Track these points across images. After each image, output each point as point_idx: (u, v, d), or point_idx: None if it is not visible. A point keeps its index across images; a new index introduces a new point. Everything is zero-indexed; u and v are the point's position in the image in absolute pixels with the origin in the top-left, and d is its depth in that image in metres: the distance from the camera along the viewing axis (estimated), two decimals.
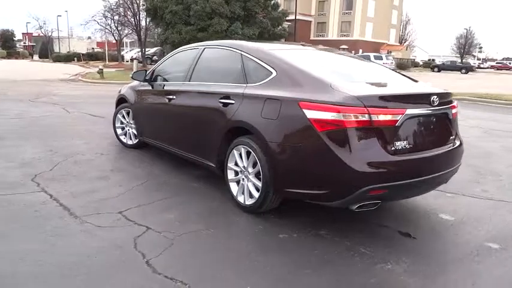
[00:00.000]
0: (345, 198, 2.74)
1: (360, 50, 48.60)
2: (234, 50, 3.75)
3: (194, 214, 3.37)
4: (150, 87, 4.87)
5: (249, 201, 3.34)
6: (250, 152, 3.26)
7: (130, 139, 5.53)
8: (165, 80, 4.79)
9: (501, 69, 61.56)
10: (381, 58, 30.54)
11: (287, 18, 21.88)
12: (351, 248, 2.85)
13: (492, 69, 62.42)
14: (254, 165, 3.28)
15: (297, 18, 28.78)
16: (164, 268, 2.50)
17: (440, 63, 48.27)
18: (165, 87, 4.57)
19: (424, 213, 3.52)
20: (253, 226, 3.16)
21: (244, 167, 3.38)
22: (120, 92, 5.76)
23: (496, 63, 70.89)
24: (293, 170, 2.94)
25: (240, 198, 3.44)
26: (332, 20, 55.22)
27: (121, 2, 29.90)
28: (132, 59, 38.15)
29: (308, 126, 2.79)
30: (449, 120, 3.21)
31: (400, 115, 2.77)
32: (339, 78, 3.05)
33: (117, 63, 33.90)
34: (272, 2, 21.79)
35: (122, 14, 30.71)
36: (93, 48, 54.47)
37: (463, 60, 61.11)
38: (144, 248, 2.76)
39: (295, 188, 2.97)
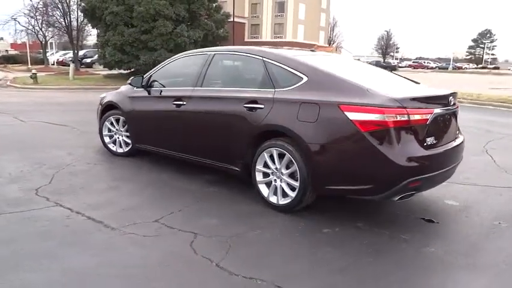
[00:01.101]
0: (388, 191, 3.01)
1: None
2: (255, 56, 3.86)
3: (232, 218, 3.44)
4: (148, 93, 4.80)
5: (284, 201, 3.49)
6: (284, 154, 3.42)
7: (121, 147, 5.37)
8: (165, 85, 4.75)
9: (417, 68, 67.16)
10: None
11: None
12: (392, 236, 3.13)
13: (410, 68, 67.74)
14: (288, 166, 3.44)
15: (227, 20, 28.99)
16: (238, 269, 2.58)
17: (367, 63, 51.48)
18: (170, 93, 4.53)
19: (433, 201, 3.92)
20: (295, 224, 3.32)
21: (276, 168, 3.52)
22: (104, 99, 5.56)
23: (413, 62, 77.18)
24: (335, 168, 3.16)
25: (273, 199, 3.57)
26: (265, 22, 56.43)
27: (48, 1, 28.00)
28: (58, 62, 35.71)
29: (351, 127, 3.02)
30: (456, 117, 3.63)
31: (430, 114, 3.11)
32: (369, 82, 3.32)
33: (43, 66, 31.57)
34: (214, 4, 21.83)
35: (50, 13, 28.74)
36: (6, 50, 49.91)
37: (385, 60, 65.69)
38: (206, 252, 2.80)
39: (337, 185, 3.19)
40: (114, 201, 3.77)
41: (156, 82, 4.81)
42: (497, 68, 79.37)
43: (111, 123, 5.41)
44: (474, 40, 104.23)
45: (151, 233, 3.09)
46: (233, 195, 3.97)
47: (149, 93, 4.80)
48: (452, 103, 3.39)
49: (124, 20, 18.98)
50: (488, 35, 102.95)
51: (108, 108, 5.45)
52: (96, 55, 34.29)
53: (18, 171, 4.63)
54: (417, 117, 3.02)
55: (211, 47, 18.09)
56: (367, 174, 3.05)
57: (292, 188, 3.44)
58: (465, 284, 2.55)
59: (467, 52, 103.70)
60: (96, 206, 3.64)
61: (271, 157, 3.55)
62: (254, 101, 3.62)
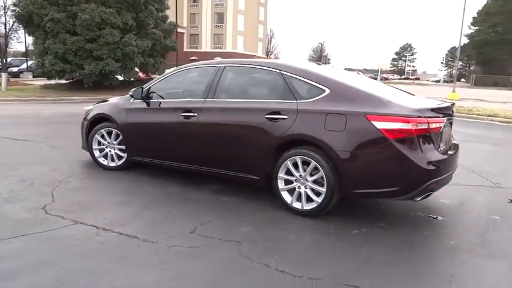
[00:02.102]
0: (413, 192, 3.33)
1: None
2: (271, 69, 4.04)
3: (263, 225, 3.55)
4: (148, 105, 4.76)
5: (309, 206, 3.68)
6: (309, 161, 3.62)
7: (113, 161, 5.22)
8: (167, 97, 4.74)
9: None
10: None
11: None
12: (414, 233, 3.46)
13: None
14: (312, 173, 3.64)
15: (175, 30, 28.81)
16: (298, 271, 2.72)
17: None
18: (176, 105, 4.54)
19: (431, 201, 4.32)
20: (325, 228, 3.51)
21: (300, 175, 3.70)
22: (91, 111, 5.38)
23: None
24: (364, 173, 3.42)
25: (296, 205, 3.75)
26: (205, 32, 56.56)
27: None
28: None
29: (379, 135, 3.31)
30: (451, 125, 4.09)
31: (442, 123, 3.51)
32: (383, 94, 3.65)
33: None
34: (161, 14, 21.54)
35: None
36: None
37: None
38: (259, 258, 2.89)
39: (365, 188, 3.46)
40: (136, 216, 3.71)
41: (157, 94, 4.77)
42: (418, 79, 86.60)
43: (102, 136, 5.24)
44: (397, 53, 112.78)
45: (196, 244, 3.12)
46: (251, 203, 4.07)
47: (148, 104, 4.76)
48: (453, 112, 3.83)
49: (66, 28, 18.06)
50: (409, 49, 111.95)
51: (97, 121, 5.27)
52: (24, 64, 32.01)
53: (8, 190, 4.33)
54: (434, 125, 3.40)
55: (159, 57, 17.83)
56: (394, 178, 3.35)
57: (317, 194, 3.64)
58: (492, 270, 2.90)
59: (391, 64, 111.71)
60: (119, 221, 3.55)
61: (295, 165, 3.73)
62: (277, 112, 3.78)
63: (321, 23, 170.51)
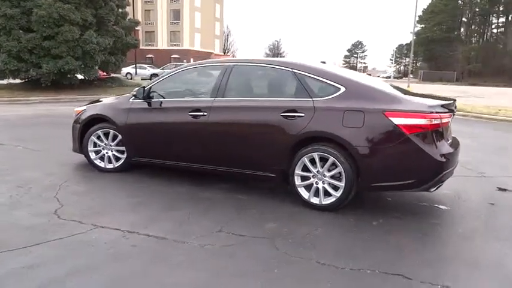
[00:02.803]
0: (429, 183, 3.55)
1: (191, 59, 50.26)
2: (283, 68, 4.11)
3: (286, 220, 3.63)
4: (149, 105, 4.67)
5: (327, 201, 3.80)
6: (327, 157, 3.74)
7: (110, 163, 5.08)
8: (170, 97, 4.69)
9: None
10: None
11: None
12: (426, 222, 3.69)
13: None
14: (330, 168, 3.77)
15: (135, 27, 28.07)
16: (339, 263, 2.83)
17: None
18: (183, 104, 4.50)
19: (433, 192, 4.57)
20: (345, 221, 3.65)
21: (318, 171, 3.82)
22: (85, 112, 5.20)
23: None
24: (382, 167, 3.59)
25: (314, 200, 3.86)
26: (161, 30, 55.36)
27: None
28: None
29: (397, 131, 3.49)
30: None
31: (449, 118, 3.75)
32: (397, 92, 3.84)
33: None
34: (120, 10, 20.85)
35: None
36: None
37: None
38: (296, 253, 2.98)
39: (383, 181, 3.63)
40: (156, 217, 3.66)
41: (158, 94, 4.70)
42: (370, 75, 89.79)
43: (98, 138, 5.08)
44: (349, 50, 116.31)
45: (227, 243, 3.15)
46: (266, 201, 4.13)
47: (151, 104, 4.68)
48: (456, 108, 4.09)
49: (20, 24, 17.06)
50: (359, 46, 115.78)
51: (92, 122, 5.11)
52: None
53: (6, 196, 4.12)
54: (444, 120, 3.63)
55: (120, 54, 17.30)
56: (412, 170, 3.55)
57: (335, 188, 3.77)
58: (503, 251, 3.16)
59: (343, 61, 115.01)
60: (141, 223, 3.49)
61: (312, 161, 3.84)
62: (293, 110, 3.87)
63: (277, 20, 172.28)
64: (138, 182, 4.69)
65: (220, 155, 4.29)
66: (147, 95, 4.69)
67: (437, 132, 3.57)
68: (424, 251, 3.12)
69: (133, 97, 4.82)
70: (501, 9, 68.11)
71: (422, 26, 74.63)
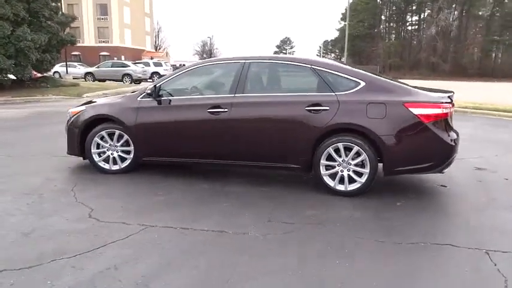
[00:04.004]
0: (443, 165, 4.02)
1: (123, 57, 48.32)
2: (302, 64, 4.36)
3: (322, 207, 3.89)
4: (161, 103, 4.66)
5: (352, 187, 4.13)
6: (352, 147, 4.06)
7: (116, 164, 4.96)
8: (183, 95, 4.72)
9: None
10: (160, 65, 31.59)
11: None
12: (440, 200, 4.21)
13: None
14: (353, 156, 4.09)
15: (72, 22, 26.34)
16: (390, 238, 3.16)
17: None
18: (200, 102, 4.55)
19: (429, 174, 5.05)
20: (373, 203, 3.99)
21: (343, 160, 4.13)
22: (84, 112, 5.00)
23: None
24: (404, 153, 3.99)
25: (340, 187, 4.17)
26: (87, 25, 52.28)
27: None
28: None
29: (416, 120, 3.91)
30: None
31: (453, 107, 4.26)
32: (409, 86, 4.26)
33: None
34: (54, 4, 19.43)
35: None
36: None
37: None
38: (354, 235, 3.26)
39: (405, 166, 4.04)
40: (198, 212, 3.72)
41: (171, 91, 4.70)
42: None
43: (102, 139, 4.92)
44: (278, 46, 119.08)
45: (286, 230, 3.33)
46: (290, 191, 4.34)
47: (162, 102, 4.66)
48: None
49: None
50: (288, 42, 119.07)
51: (94, 122, 4.94)
52: None
53: (22, 204, 3.90)
54: (451, 110, 4.13)
55: (55, 52, 16.34)
56: (429, 154, 3.99)
57: (359, 175, 4.11)
58: None
59: None
60: (187, 220, 3.53)
61: (336, 151, 4.13)
62: (317, 104, 4.13)
63: (208, 16, 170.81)
64: (153, 182, 4.64)
65: (244, 149, 4.41)
66: (158, 93, 4.66)
67: (447, 120, 4.05)
68: (453, 223, 3.58)
69: (142, 95, 4.76)
70: (414, 8, 74.25)
71: (346, 23, 78.69)
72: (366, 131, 4.01)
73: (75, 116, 5.07)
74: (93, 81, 26.96)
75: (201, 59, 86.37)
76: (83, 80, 27.32)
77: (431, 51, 65.24)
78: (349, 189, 4.14)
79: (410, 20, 77.39)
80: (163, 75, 30.40)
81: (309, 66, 4.33)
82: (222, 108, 4.39)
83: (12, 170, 5.09)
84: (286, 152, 4.28)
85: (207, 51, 77.91)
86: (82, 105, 5.31)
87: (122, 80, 26.49)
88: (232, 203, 3.99)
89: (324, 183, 4.22)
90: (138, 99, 4.78)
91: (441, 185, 4.66)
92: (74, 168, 5.24)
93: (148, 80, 28.92)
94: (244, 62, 4.51)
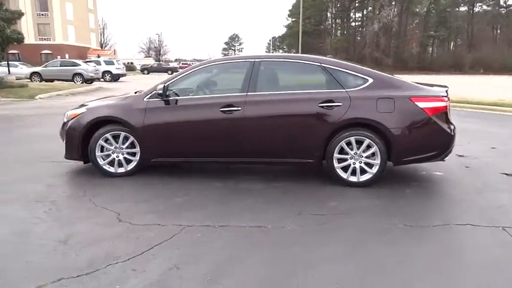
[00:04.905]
0: (445, 154, 4.39)
1: (67, 55, 46.02)
2: (311, 63, 4.55)
3: (343, 198, 4.11)
4: (169, 103, 4.65)
5: (364, 178, 4.39)
6: (363, 140, 4.32)
7: (121, 166, 4.87)
8: (186, 94, 4.76)
9: None
10: (112, 63, 30.41)
11: None
12: (441, 185, 4.59)
13: (180, 69, 72.01)
14: (365, 149, 4.35)
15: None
16: (416, 223, 3.45)
17: (149, 66, 52.11)
18: (211, 101, 4.59)
19: (422, 163, 5.44)
20: (385, 192, 4.28)
21: (355, 153, 4.37)
22: (83, 115, 4.85)
23: (182, 63, 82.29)
24: (412, 144, 4.30)
25: (352, 178, 4.41)
26: (25, 22, 48.92)
27: None
28: None
29: (421, 113, 4.23)
30: None
31: (449, 101, 4.64)
32: (411, 82, 4.58)
33: None
34: None
35: None
36: None
37: (160, 62, 67.67)
38: (384, 221, 3.51)
39: (412, 155, 4.35)
40: (226, 211, 3.78)
41: (179, 91, 4.71)
42: None
43: (106, 141, 4.81)
44: (226, 43, 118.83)
45: (320, 222, 3.51)
46: (303, 185, 4.52)
47: (169, 102, 4.65)
48: None
49: None
50: (236, 39, 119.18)
51: (98, 124, 4.81)
52: None
53: (39, 212, 3.77)
54: (449, 103, 4.50)
55: (0, 50, 15.33)
56: (434, 144, 4.34)
57: (370, 166, 4.38)
58: None
59: (222, 53, 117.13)
60: (219, 218, 3.59)
61: (348, 144, 4.37)
62: (330, 100, 4.33)
63: (155, 12, 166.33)
64: (166, 183, 4.60)
65: (258, 147, 4.52)
66: (165, 93, 4.64)
67: (446, 113, 4.42)
68: (462, 205, 3.95)
69: (149, 96, 4.71)
70: (357, 5, 77.31)
71: (294, 19, 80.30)
72: (377, 125, 4.27)
73: (74, 119, 4.89)
74: (40, 81, 25.45)
75: (146, 57, 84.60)
76: (28, 80, 25.69)
77: (375, 47, 68.35)
78: (361, 180, 4.40)
79: (354, 16, 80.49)
80: (116, 74, 29.54)
81: (319, 64, 4.52)
82: (235, 106, 4.46)
83: (7, 178, 4.83)
84: (301, 147, 4.45)
85: (153, 48, 76.00)
86: (80, 107, 5.14)
87: (72, 80, 25.22)
88: (255, 199, 4.09)
89: (337, 175, 4.44)
90: (145, 99, 4.72)
91: (437, 173, 5.06)
92: (72, 173, 5.07)
93: (101, 80, 27.84)
94: (254, 61, 4.61)
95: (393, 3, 70.83)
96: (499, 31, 70.80)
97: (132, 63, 64.82)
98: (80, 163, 5.28)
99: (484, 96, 15.03)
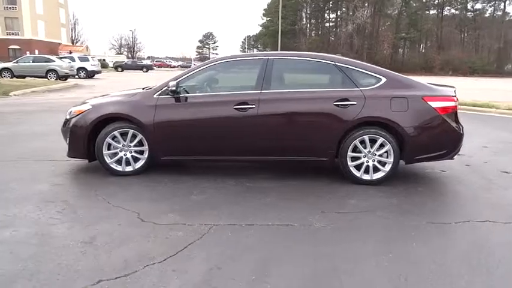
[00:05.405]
0: (455, 152, 4.51)
1: (36, 51, 44.45)
2: (325, 61, 4.58)
3: (362, 196, 4.15)
4: (180, 100, 4.58)
5: (377, 176, 4.45)
6: (376, 139, 4.38)
7: (129, 165, 4.75)
8: (204, 91, 4.69)
9: (162, 67, 71.45)
10: (87, 60, 29.54)
11: None
12: (448, 183, 4.71)
13: (155, 67, 71.03)
14: (379, 147, 4.42)
15: None
16: (438, 220, 3.53)
17: (123, 63, 50.95)
18: (225, 98, 4.54)
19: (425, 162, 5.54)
20: (399, 190, 4.36)
21: (369, 151, 4.43)
22: (89, 112, 4.70)
23: (156, 61, 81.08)
24: (424, 142, 4.38)
25: (366, 177, 4.47)
26: None
27: None
28: None
29: (433, 112, 4.33)
30: None
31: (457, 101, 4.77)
32: (423, 82, 4.68)
33: None
34: None
35: None
36: None
37: (134, 59, 66.38)
38: (409, 219, 3.58)
39: (424, 154, 4.44)
40: (248, 209, 3.74)
41: (191, 88, 4.65)
42: None
43: (114, 139, 4.68)
44: (200, 41, 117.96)
45: (346, 219, 3.55)
46: (318, 183, 4.53)
47: (179, 100, 4.57)
48: None
49: None
50: (211, 37, 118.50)
51: (104, 122, 4.68)
52: None
53: (53, 213, 3.63)
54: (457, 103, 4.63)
55: None
56: (445, 143, 4.44)
57: (383, 164, 4.45)
58: None
59: (196, 52, 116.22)
60: (242, 216, 3.56)
61: (362, 142, 4.42)
62: (345, 99, 4.37)
63: (128, 9, 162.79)
64: (178, 182, 4.51)
65: (273, 145, 4.51)
66: (177, 90, 4.56)
67: (456, 112, 4.54)
68: (474, 202, 4.06)
69: (159, 92, 4.62)
70: (331, 5, 78.40)
71: (269, 19, 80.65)
72: (391, 124, 4.34)
73: (79, 116, 4.73)
74: (11, 77, 24.42)
75: (118, 54, 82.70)
76: None
77: (349, 47, 69.47)
78: (374, 178, 4.46)
79: (328, 17, 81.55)
80: (92, 71, 28.71)
81: (333, 63, 4.56)
82: (249, 104, 4.43)
83: (7, 177, 4.62)
84: (315, 145, 4.47)
85: (125, 45, 74.44)
86: (83, 103, 4.97)
87: (45, 77, 24.34)
88: (272, 198, 4.07)
89: (350, 173, 4.48)
90: (155, 96, 4.62)
91: (441, 170, 5.20)
92: (74, 172, 4.92)
93: (76, 77, 27.01)
94: (268, 59, 4.59)
95: (366, 4, 72.25)
96: (466, 34, 73.49)
97: (104, 60, 63.27)
98: (80, 161, 5.15)
99: (460, 97, 15.52)
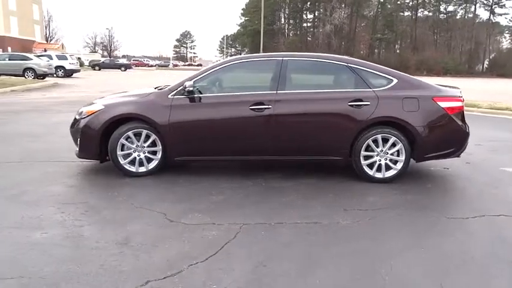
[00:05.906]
0: (462, 150, 4.71)
1: (9, 48, 43.05)
2: (338, 62, 4.68)
3: (371, 193, 4.28)
4: (193, 100, 4.60)
5: (389, 174, 4.60)
6: (389, 138, 4.52)
7: (142, 165, 4.73)
8: (219, 92, 4.74)
9: (139, 66, 70.44)
10: (65, 58, 28.78)
11: None
12: (454, 180, 4.91)
13: (133, 66, 69.88)
14: (391, 146, 4.56)
15: None
16: (455, 215, 3.70)
17: (101, 62, 49.90)
18: (241, 99, 4.58)
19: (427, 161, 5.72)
20: (410, 187, 4.51)
21: (381, 150, 4.57)
22: (102, 112, 4.65)
23: (133, 60, 79.76)
24: (434, 141, 4.55)
25: (378, 175, 4.61)
26: None
27: None
28: None
29: (442, 112, 4.51)
30: None
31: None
32: (432, 83, 4.85)
33: None
34: None
35: None
36: None
37: (111, 58, 65.15)
38: (429, 215, 3.72)
39: (434, 152, 4.62)
40: (272, 209, 3.80)
41: (206, 89, 4.68)
42: (201, 65, 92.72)
43: (127, 139, 4.65)
44: (178, 40, 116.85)
45: (369, 216, 3.65)
46: (331, 181, 4.64)
47: (194, 100, 4.59)
48: None
49: None
50: (188, 36, 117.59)
51: (118, 122, 4.64)
52: None
53: (76, 214, 3.60)
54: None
55: None
56: (452, 141, 4.63)
57: (394, 163, 4.60)
58: None
59: (173, 51, 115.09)
60: (269, 216, 3.60)
61: (374, 141, 4.55)
62: (359, 99, 4.49)
63: (105, 7, 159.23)
64: (194, 183, 4.51)
65: (288, 145, 4.58)
66: (191, 91, 4.57)
67: (463, 112, 4.74)
68: (484, 198, 4.26)
69: (174, 92, 4.62)
70: (309, 6, 79.22)
71: (247, 18, 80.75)
72: (403, 123, 4.49)
73: (91, 116, 4.68)
74: None
75: (92, 52, 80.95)
76: None
77: (327, 48, 70.36)
78: (386, 176, 4.60)
79: (306, 17, 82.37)
80: (70, 69, 28.04)
81: (345, 64, 4.67)
82: (265, 104, 4.49)
83: (19, 178, 4.53)
84: (330, 145, 4.57)
85: (99, 44, 72.92)
86: (92, 104, 4.92)
87: (23, 75, 23.62)
88: (292, 197, 4.14)
89: (363, 171, 4.61)
90: (170, 96, 4.62)
91: (444, 168, 5.40)
92: (86, 173, 4.87)
93: (54, 76, 26.31)
94: (282, 60, 4.66)
95: (343, 5, 73.37)
96: (439, 35, 75.71)
97: (79, 58, 61.66)
98: (88, 162, 5.12)
99: None
